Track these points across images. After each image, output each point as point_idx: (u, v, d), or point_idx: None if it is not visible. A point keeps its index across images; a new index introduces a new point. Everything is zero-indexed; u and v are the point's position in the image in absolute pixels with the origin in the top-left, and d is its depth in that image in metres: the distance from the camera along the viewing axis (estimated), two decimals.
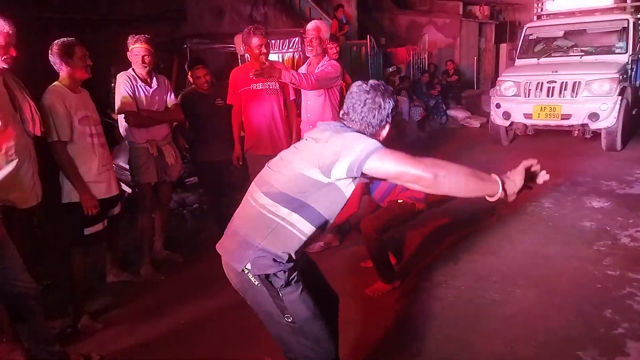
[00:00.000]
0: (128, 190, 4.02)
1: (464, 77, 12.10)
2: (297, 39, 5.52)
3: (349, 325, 2.81)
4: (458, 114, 10.03)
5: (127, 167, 3.72)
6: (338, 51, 5.37)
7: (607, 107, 6.13)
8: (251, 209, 1.79)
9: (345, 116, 1.81)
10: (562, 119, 6.41)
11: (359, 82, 1.82)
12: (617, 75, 6.24)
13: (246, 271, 1.73)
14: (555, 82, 6.43)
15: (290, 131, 4.07)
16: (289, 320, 1.76)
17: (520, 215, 4.42)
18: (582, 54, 7.01)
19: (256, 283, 1.74)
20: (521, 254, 3.62)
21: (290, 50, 5.59)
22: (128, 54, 3.44)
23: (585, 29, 7.31)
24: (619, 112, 6.18)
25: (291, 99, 4.05)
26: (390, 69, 9.00)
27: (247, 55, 3.90)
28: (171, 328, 2.97)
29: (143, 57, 3.40)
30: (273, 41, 5.49)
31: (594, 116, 6.20)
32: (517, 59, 7.66)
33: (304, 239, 1.76)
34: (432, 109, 9.67)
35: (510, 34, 14.26)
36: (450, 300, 3.08)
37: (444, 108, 9.94)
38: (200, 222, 4.66)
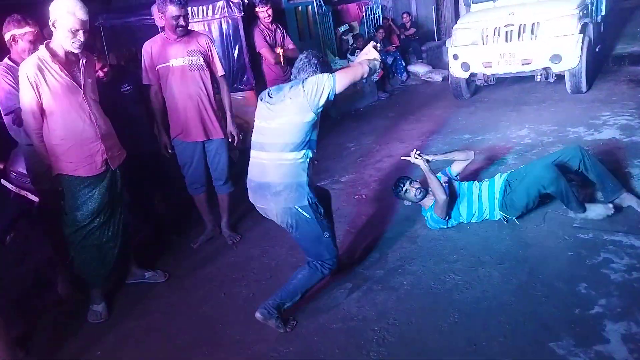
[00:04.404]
0: (35, 199, 3.48)
1: (422, 29, 11.52)
2: (222, 3, 4.88)
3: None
4: (419, 69, 9.53)
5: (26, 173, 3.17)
6: (271, 14, 4.82)
7: (569, 46, 5.71)
8: (282, 165, 2.39)
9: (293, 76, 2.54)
10: (523, 64, 5.96)
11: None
12: (577, 12, 5.79)
13: (303, 206, 2.41)
14: (513, 25, 5.96)
15: (223, 112, 3.56)
16: (327, 236, 2.51)
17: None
18: None
19: (308, 217, 2.44)
20: (484, 225, 3.24)
21: (216, 17, 4.95)
22: (11, 42, 2.86)
23: None
24: (581, 51, 5.78)
25: (220, 74, 3.52)
26: (342, 29, 8.38)
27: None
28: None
29: (34, 42, 2.84)
30: (195, 8, 4.87)
31: (556, 58, 5.77)
32: (472, 3, 7.14)
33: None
34: (390, 67, 9.15)
35: None
36: (406, 290, 2.69)
37: (404, 64, 9.41)
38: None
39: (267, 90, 2.53)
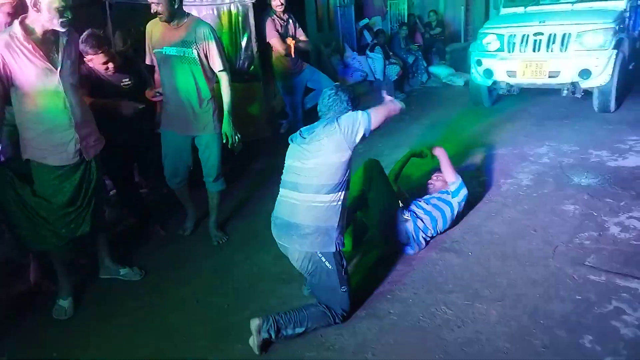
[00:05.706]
0: None
1: (449, 29, 11.17)
2: None
3: None
4: (441, 71, 9.18)
5: None
6: (284, 2, 4.56)
7: (600, 62, 5.35)
8: (315, 208, 2.31)
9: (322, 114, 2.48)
10: (549, 77, 5.62)
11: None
12: (613, 25, 5.42)
13: (328, 254, 2.33)
14: (543, 34, 5.60)
15: (220, 112, 3.20)
16: (344, 290, 2.38)
17: (493, 196, 3.76)
18: (575, 0, 6.15)
19: (330, 267, 2.34)
20: (488, 251, 2.98)
21: (226, 2, 4.69)
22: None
23: None
24: (614, 67, 5.41)
25: (219, 69, 3.13)
26: (361, 23, 8.05)
27: None
28: None
29: (13, 15, 2.62)
30: None
31: (585, 73, 5.42)
32: (503, 7, 6.77)
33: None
34: (411, 67, 8.81)
35: None
36: (392, 321, 2.45)
37: (425, 65, 9.08)
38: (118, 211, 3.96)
39: (299, 130, 2.46)
